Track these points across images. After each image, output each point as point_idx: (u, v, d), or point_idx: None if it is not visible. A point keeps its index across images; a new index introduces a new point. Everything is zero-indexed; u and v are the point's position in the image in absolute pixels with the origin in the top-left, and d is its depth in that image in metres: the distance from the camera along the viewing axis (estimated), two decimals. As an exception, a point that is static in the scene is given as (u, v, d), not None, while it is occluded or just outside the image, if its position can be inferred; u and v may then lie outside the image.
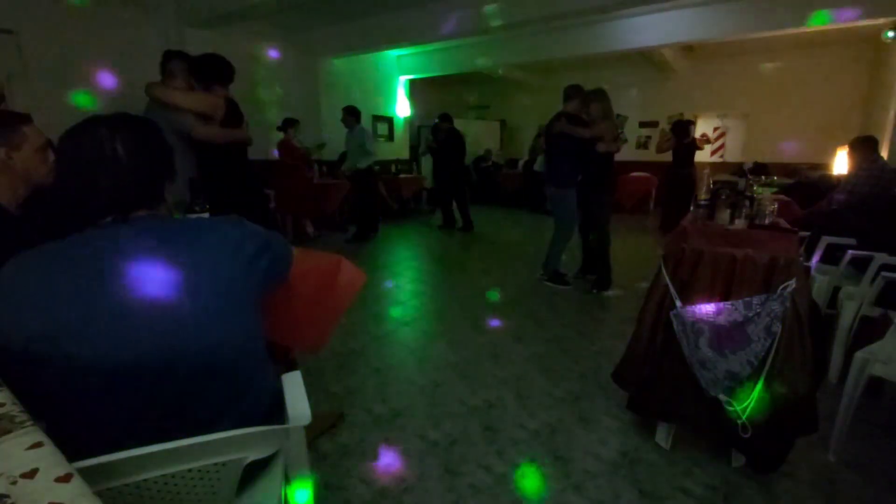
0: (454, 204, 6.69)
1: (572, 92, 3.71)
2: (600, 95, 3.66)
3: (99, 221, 0.86)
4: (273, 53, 6.57)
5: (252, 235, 0.96)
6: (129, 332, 0.79)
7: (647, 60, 8.08)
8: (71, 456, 0.59)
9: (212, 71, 2.65)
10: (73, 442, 0.77)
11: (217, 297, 0.86)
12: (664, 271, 1.72)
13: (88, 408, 0.81)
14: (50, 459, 0.52)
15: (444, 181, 6.61)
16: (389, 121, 8.58)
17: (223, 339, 0.88)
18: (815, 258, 2.74)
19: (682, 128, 6.43)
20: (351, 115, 5.58)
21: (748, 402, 1.53)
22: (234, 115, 2.66)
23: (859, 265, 2.45)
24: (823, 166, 6.76)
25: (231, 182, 2.69)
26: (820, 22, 4.86)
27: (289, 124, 5.68)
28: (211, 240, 0.89)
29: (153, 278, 0.81)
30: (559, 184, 3.77)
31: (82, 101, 4.46)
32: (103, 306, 0.78)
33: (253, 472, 0.97)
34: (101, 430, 0.81)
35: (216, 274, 0.86)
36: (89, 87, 4.67)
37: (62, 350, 0.77)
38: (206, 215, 1.69)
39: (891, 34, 5.38)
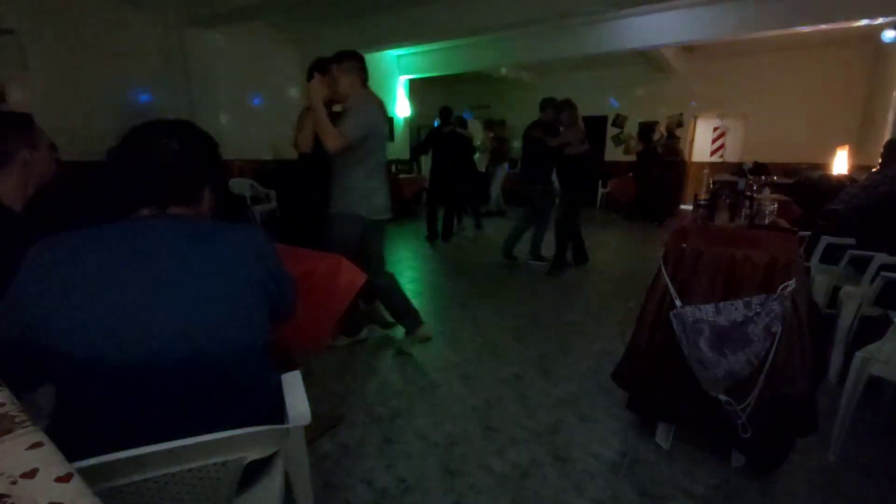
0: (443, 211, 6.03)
1: (545, 104, 4.47)
2: (569, 105, 4.34)
3: (137, 213, 0.89)
4: (273, 53, 6.57)
5: (272, 254, 0.99)
6: (149, 325, 0.80)
7: (647, 60, 8.08)
8: (79, 449, 0.59)
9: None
10: (83, 434, 0.79)
11: (233, 298, 0.89)
12: (664, 271, 1.72)
13: (102, 400, 0.82)
14: (50, 459, 0.52)
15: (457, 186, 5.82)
16: (389, 121, 8.59)
17: (236, 338, 0.90)
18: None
19: (646, 133, 7.72)
20: None
21: (748, 402, 1.53)
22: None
23: (859, 265, 2.45)
24: (823, 166, 6.76)
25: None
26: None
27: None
28: (235, 242, 0.92)
29: (177, 273, 0.84)
30: (539, 181, 4.45)
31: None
32: (125, 299, 0.80)
33: (253, 472, 0.97)
34: (112, 423, 0.82)
35: (236, 275, 0.89)
36: (89, 87, 4.67)
37: (81, 341, 0.78)
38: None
39: (890, 34, 5.38)
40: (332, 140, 2.18)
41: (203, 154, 0.95)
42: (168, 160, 0.88)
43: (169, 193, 0.90)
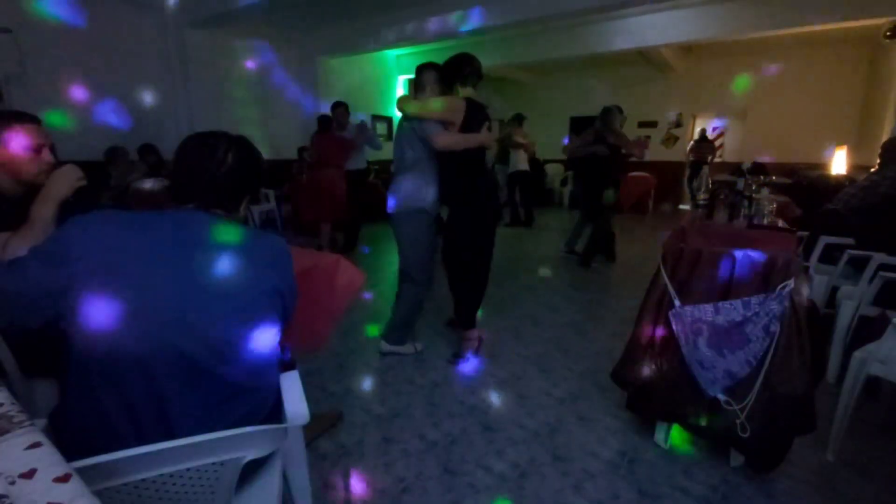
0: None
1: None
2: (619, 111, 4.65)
3: (184, 206, 0.98)
4: (272, 53, 6.56)
5: (290, 265, 1.06)
6: (172, 315, 0.83)
7: (646, 60, 8.09)
8: (80, 444, 0.59)
9: (451, 71, 2.46)
10: (84, 429, 0.81)
11: (252, 298, 0.93)
12: (663, 271, 1.72)
13: (109, 392, 0.82)
14: (48, 459, 0.52)
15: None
16: (388, 121, 8.58)
17: (253, 336, 0.92)
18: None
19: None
20: (347, 111, 4.98)
21: (747, 402, 1.54)
22: (473, 118, 2.40)
23: (857, 265, 2.46)
24: (822, 166, 6.77)
25: (470, 190, 2.46)
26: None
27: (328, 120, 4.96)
28: (261, 246, 0.99)
29: (205, 266, 0.89)
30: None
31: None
32: (155, 287, 0.83)
33: (251, 472, 0.97)
34: (114, 418, 0.83)
35: (257, 277, 0.95)
36: (88, 86, 4.66)
37: (104, 321, 0.80)
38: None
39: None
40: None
41: (251, 171, 1.05)
42: (222, 171, 0.98)
43: (215, 198, 0.99)
